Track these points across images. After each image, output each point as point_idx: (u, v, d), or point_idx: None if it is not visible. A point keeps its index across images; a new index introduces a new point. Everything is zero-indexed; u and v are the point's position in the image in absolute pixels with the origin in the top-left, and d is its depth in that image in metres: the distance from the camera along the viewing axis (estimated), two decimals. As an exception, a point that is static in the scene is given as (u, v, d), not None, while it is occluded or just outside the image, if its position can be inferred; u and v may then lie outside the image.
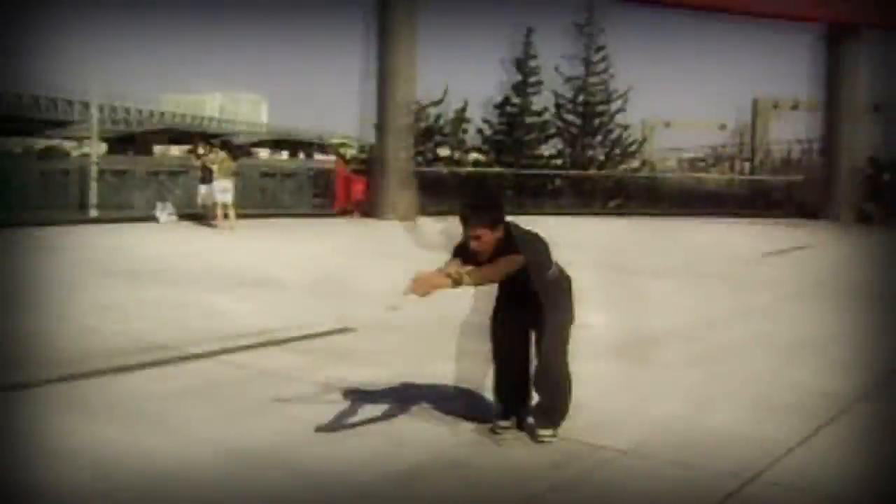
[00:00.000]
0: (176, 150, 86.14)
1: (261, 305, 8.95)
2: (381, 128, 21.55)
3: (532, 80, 33.77)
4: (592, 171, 31.61)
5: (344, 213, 21.72)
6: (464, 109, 34.50)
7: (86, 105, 71.59)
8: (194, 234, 16.47)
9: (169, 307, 8.65)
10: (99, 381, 5.82)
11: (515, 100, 33.65)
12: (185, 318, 8.09)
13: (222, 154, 17.36)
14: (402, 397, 5.52)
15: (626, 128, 33.56)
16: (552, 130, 33.56)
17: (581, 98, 33.02)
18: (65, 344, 6.84)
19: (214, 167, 16.92)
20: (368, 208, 21.42)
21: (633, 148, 34.09)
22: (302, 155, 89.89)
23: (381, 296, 9.46)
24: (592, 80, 33.08)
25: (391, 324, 7.66)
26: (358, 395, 5.51)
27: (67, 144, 69.17)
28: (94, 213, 18.63)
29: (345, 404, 5.34)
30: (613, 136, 33.33)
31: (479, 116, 35.06)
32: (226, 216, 16.88)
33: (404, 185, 21.21)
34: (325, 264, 12.56)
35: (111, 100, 76.45)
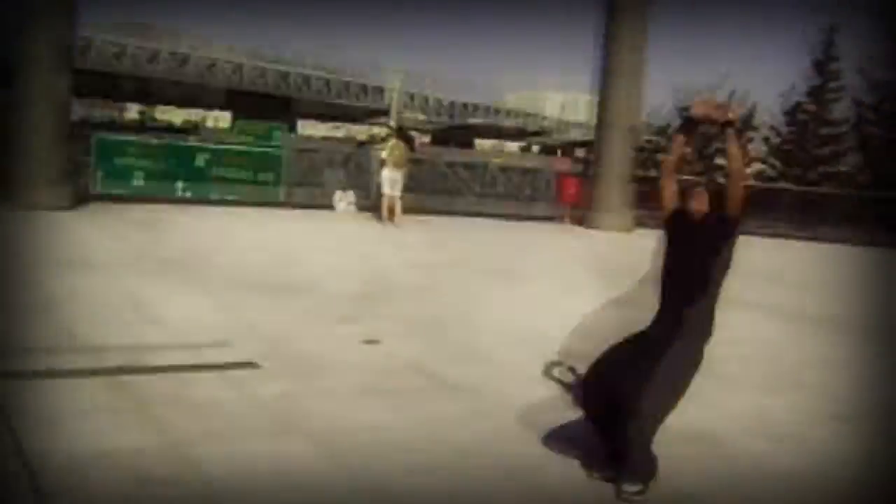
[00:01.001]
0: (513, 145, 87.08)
1: (239, 317, 7.48)
2: (601, 124, 19.18)
3: (832, 85, 29.42)
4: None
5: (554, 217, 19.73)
6: (750, 116, 30.92)
7: (411, 96, 74.21)
8: (343, 226, 15.41)
9: (116, 306, 7.45)
10: None
11: (809, 106, 29.49)
12: (118, 322, 6.87)
13: (393, 141, 16.03)
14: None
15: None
16: (850, 144, 28.94)
17: (887, 106, 28.01)
18: None
19: (383, 154, 15.70)
20: (580, 214, 19.25)
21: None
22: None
23: (412, 325, 7.70)
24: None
25: (339, 364, 6.16)
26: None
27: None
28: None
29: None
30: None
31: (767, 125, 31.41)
32: (391, 210, 15.58)
33: (621, 194, 18.74)
34: (419, 277, 10.84)
35: (445, 94, 77.83)
